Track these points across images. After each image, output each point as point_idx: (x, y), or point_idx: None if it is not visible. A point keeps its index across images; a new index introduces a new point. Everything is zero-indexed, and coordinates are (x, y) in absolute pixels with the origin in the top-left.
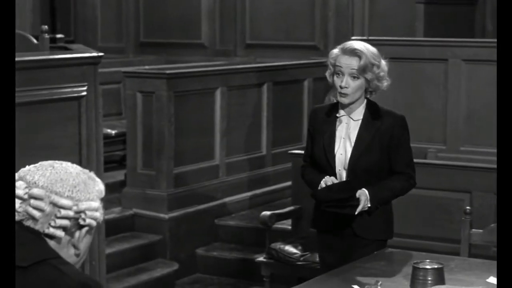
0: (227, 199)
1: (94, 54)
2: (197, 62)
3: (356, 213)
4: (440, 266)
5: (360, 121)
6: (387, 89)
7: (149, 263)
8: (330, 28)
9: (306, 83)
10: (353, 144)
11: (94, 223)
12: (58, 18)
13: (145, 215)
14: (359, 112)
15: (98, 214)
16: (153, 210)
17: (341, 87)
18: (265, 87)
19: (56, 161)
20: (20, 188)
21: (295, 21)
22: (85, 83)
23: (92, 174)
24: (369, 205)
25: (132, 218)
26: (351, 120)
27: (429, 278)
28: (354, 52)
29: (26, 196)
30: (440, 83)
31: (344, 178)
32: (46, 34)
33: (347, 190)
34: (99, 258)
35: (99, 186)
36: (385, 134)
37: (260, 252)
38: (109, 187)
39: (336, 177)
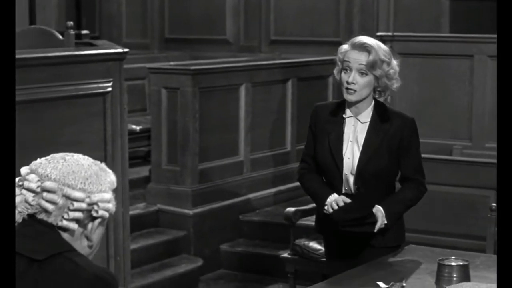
0: (251, 195)
1: (119, 50)
2: (222, 58)
3: (375, 230)
4: (465, 263)
5: (368, 124)
6: (414, 84)
7: (173, 259)
8: (355, 25)
9: (330, 79)
10: (360, 148)
11: (106, 214)
12: (84, 14)
13: (169, 211)
14: (367, 114)
15: (111, 206)
16: (177, 206)
17: (347, 83)
18: (289, 83)
19: (68, 153)
20: (32, 181)
21: (320, 17)
22: (110, 79)
23: (103, 165)
24: (385, 221)
25: (157, 214)
26: (359, 122)
27: (454, 275)
28: (363, 47)
29: (38, 189)
30: (466, 79)
31: (351, 183)
32: (72, 30)
33: (363, 208)
34: (123, 254)
35: (111, 177)
36: (394, 137)
37: (284, 248)
38: (133, 183)
39: (342, 182)
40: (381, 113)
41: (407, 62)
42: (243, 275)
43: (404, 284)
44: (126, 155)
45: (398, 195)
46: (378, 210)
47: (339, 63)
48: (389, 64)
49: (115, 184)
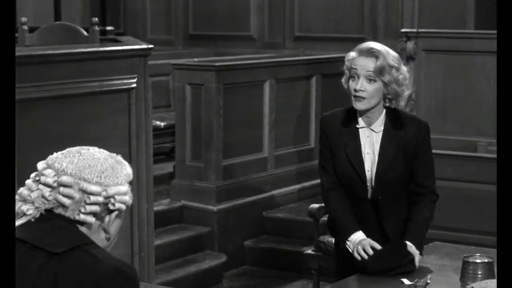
0: (275, 192)
1: (144, 46)
2: (246, 55)
3: (417, 266)
4: (490, 260)
5: (381, 133)
6: (439, 81)
7: (197, 255)
8: (379, 21)
9: None
10: (376, 159)
11: (123, 207)
12: (108, 10)
13: (193, 207)
14: (380, 123)
15: (127, 198)
16: (201, 202)
17: (355, 90)
18: (313, 79)
19: (83, 147)
20: (49, 176)
21: (344, 14)
22: (135, 75)
23: (119, 157)
24: (418, 253)
25: (181, 210)
26: (373, 132)
27: (479, 272)
28: (370, 52)
29: (55, 184)
30: (491, 76)
31: (371, 192)
32: (97, 27)
33: (398, 256)
34: (148, 250)
35: (127, 170)
36: (409, 144)
37: (308, 244)
38: (158, 179)
39: (367, 192)
40: (394, 120)
41: (431, 59)
42: (267, 271)
43: (428, 281)
44: (151, 151)
45: (417, 218)
46: (409, 246)
47: (347, 71)
48: (398, 69)
49: (131, 176)
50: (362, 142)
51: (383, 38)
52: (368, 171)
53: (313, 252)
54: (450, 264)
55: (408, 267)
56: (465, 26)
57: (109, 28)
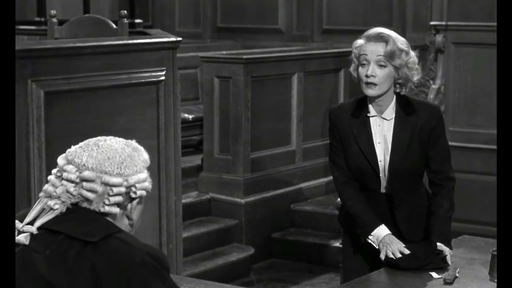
0: (303, 185)
1: (173, 39)
2: (274, 48)
3: (450, 263)
4: None
5: (393, 120)
6: (468, 74)
7: (225, 248)
8: (408, 13)
9: None
10: (389, 148)
11: (144, 193)
12: (137, 3)
13: (221, 200)
14: (391, 110)
15: (147, 184)
16: (229, 195)
17: (367, 76)
18: (342, 72)
19: (100, 138)
20: (71, 172)
21: (373, 6)
22: (164, 68)
23: (135, 143)
24: (449, 250)
25: (209, 202)
26: (384, 120)
27: None
28: (380, 37)
29: (78, 180)
30: None
31: (386, 183)
32: (125, 19)
33: (431, 252)
34: (176, 242)
35: (144, 156)
36: (423, 129)
37: (335, 238)
38: (186, 172)
39: (380, 184)
40: (405, 107)
41: (461, 52)
42: (294, 264)
43: (457, 275)
44: (179, 143)
45: (438, 212)
46: (439, 244)
47: (355, 59)
48: (407, 53)
49: (148, 161)
50: (373, 132)
51: (411, 31)
52: (380, 161)
53: (340, 245)
54: (479, 258)
55: (440, 264)
56: (495, 18)
57: (137, 21)
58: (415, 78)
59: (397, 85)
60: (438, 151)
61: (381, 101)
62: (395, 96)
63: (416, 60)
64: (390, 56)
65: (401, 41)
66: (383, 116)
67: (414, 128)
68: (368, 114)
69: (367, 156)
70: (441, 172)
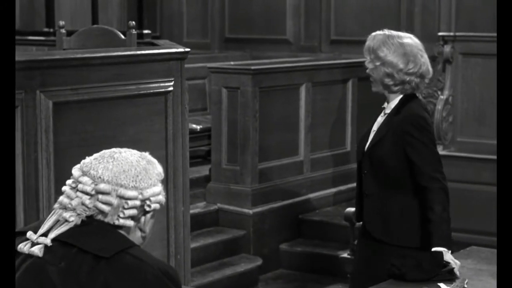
0: (311, 195)
1: (181, 49)
2: (282, 58)
3: (458, 273)
4: None
5: (387, 115)
6: (476, 85)
7: (233, 258)
8: (416, 24)
9: None
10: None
11: (158, 206)
12: (145, 14)
13: (229, 210)
14: (391, 107)
15: (161, 197)
16: (237, 205)
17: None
18: (350, 83)
19: (115, 150)
20: (86, 184)
21: (381, 17)
22: (172, 79)
23: (149, 156)
24: (458, 262)
25: (217, 213)
26: (385, 115)
27: None
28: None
29: (93, 192)
30: None
31: (363, 168)
32: (134, 30)
33: (437, 265)
34: (184, 252)
35: (158, 169)
36: (396, 130)
37: (344, 248)
38: (194, 182)
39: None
40: (399, 107)
41: (469, 63)
42: (302, 274)
43: (465, 286)
44: (187, 154)
45: (431, 217)
46: (445, 253)
47: None
48: (381, 51)
49: (162, 175)
50: (376, 122)
51: (420, 41)
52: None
53: (348, 256)
54: (487, 269)
55: (446, 276)
56: None
57: (146, 31)
58: (407, 78)
59: (398, 85)
60: (416, 155)
61: (388, 99)
62: (400, 96)
63: (395, 60)
64: (368, 53)
65: (380, 40)
66: (386, 111)
67: (391, 125)
68: (383, 106)
69: (361, 140)
70: (423, 173)
